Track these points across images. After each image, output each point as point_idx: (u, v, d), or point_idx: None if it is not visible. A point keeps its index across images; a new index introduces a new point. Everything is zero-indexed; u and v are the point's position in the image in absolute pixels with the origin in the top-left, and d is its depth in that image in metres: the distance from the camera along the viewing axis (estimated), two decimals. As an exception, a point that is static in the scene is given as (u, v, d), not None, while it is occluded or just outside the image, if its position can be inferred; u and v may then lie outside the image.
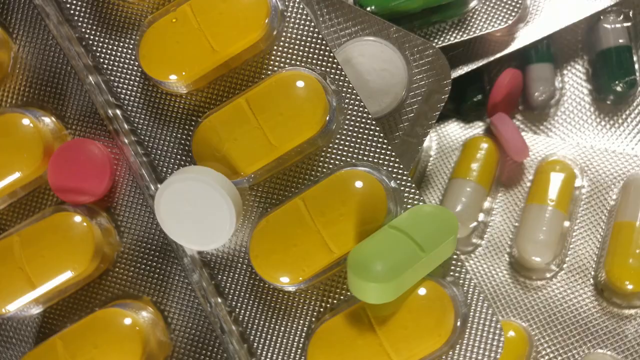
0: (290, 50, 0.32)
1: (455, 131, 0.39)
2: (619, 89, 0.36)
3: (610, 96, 0.37)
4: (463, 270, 0.31)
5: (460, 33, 0.37)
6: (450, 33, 0.37)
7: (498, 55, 0.38)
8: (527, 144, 0.36)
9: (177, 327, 0.31)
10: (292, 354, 0.30)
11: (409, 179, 0.31)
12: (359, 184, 0.30)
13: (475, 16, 0.37)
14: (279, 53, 0.32)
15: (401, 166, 0.32)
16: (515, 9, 0.36)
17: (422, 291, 0.29)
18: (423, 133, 0.34)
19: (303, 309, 0.31)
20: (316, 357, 0.29)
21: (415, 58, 0.34)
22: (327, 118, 0.31)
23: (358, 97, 0.32)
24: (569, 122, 0.38)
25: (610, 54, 0.37)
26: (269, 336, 0.31)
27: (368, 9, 0.35)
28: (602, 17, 0.37)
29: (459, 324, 0.29)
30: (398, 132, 0.34)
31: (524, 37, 0.38)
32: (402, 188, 0.31)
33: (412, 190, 0.31)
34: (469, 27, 0.37)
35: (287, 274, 0.30)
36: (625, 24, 0.37)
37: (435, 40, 0.37)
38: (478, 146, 0.36)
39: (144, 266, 0.32)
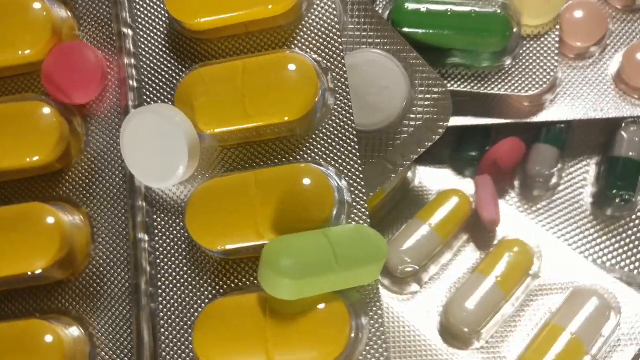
0: (309, 37, 0.33)
1: (441, 176, 0.39)
2: (614, 199, 0.36)
3: (605, 206, 0.37)
4: (377, 304, 0.31)
5: (480, 85, 0.36)
6: (470, 81, 0.37)
7: (512, 121, 0.37)
8: (503, 215, 0.36)
9: (101, 240, 0.32)
10: (187, 318, 0.31)
11: (365, 198, 0.31)
12: (314, 183, 0.30)
13: (501, 74, 0.37)
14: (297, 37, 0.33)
15: (363, 184, 0.32)
16: (544, 81, 0.36)
17: (326, 305, 0.29)
18: (402, 163, 0.34)
19: (216, 278, 0.31)
20: (202, 325, 0.29)
21: (423, 90, 0.34)
22: (311, 109, 0.31)
23: (350, 104, 0.32)
24: (557, 214, 0.38)
25: (617, 162, 0.36)
26: (176, 290, 0.31)
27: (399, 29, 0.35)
28: (624, 124, 0.37)
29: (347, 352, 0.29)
30: (378, 153, 0.34)
31: (544, 114, 0.37)
32: (355, 204, 0.31)
33: (363, 210, 0.31)
34: (491, 83, 0.37)
35: (210, 236, 0.30)
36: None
37: (451, 82, 0.36)
38: (449, 197, 0.36)
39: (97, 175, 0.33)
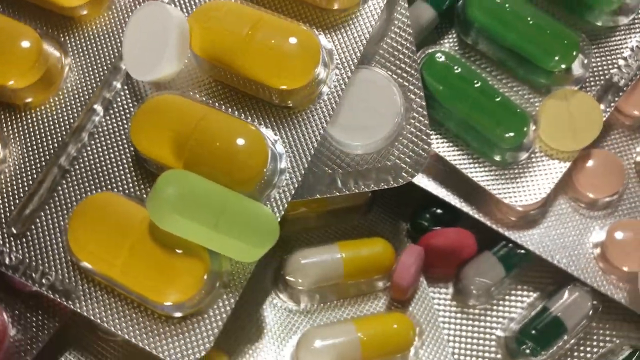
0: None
1: (393, 222, 0.39)
2: (523, 345, 0.35)
3: (514, 346, 0.35)
4: (240, 283, 0.31)
5: (476, 172, 0.36)
6: (468, 160, 0.36)
7: (484, 221, 0.37)
8: (415, 286, 0.35)
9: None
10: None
11: (289, 194, 0.32)
12: (251, 141, 0.31)
13: (501, 175, 0.36)
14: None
15: (299, 180, 0.32)
16: (537, 197, 0.35)
17: (191, 256, 0.30)
18: (350, 188, 0.34)
19: (134, 177, 0.33)
20: (81, 210, 0.32)
21: (408, 134, 0.34)
22: (304, 85, 0.32)
23: (335, 107, 0.33)
24: (467, 327, 0.37)
25: (545, 314, 0.35)
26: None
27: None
28: (571, 285, 0.36)
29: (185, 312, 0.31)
30: (336, 166, 0.34)
31: (517, 233, 0.37)
32: (279, 196, 0.32)
33: (281, 203, 0.32)
34: (488, 178, 0.36)
35: (147, 142, 0.32)
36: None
37: (448, 150, 0.36)
38: (376, 244, 0.36)
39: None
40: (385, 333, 0.34)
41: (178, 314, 0.31)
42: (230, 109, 0.34)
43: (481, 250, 0.37)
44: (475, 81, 0.35)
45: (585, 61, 0.37)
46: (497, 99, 0.35)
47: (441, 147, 0.37)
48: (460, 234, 0.36)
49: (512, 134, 0.35)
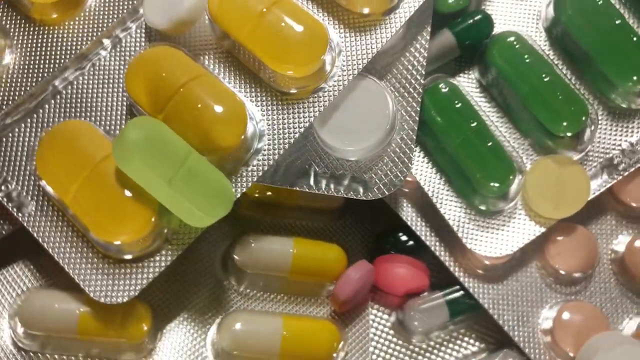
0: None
1: (361, 233, 0.39)
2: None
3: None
4: (182, 245, 0.32)
5: (453, 217, 0.36)
6: (450, 202, 0.36)
7: (448, 266, 0.36)
8: (354, 301, 0.35)
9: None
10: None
11: (257, 175, 0.33)
12: (233, 120, 0.32)
13: (478, 224, 0.36)
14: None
15: (270, 164, 0.33)
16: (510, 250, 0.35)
17: (142, 203, 0.31)
18: (320, 188, 0.34)
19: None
20: (52, 133, 0.33)
21: (393, 152, 0.34)
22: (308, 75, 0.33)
23: (327, 105, 0.33)
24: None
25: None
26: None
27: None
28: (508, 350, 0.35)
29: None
30: (314, 163, 0.34)
31: (477, 283, 0.36)
32: (246, 174, 0.33)
33: (245, 181, 0.32)
34: (463, 229, 0.36)
35: (135, 82, 0.33)
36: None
37: (428, 183, 0.36)
38: (331, 249, 0.36)
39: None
40: (309, 337, 0.34)
41: (115, 255, 0.32)
42: (226, 79, 0.34)
43: (434, 287, 0.37)
44: (472, 120, 0.35)
45: (592, 134, 0.37)
46: (489, 144, 0.35)
47: (424, 176, 0.36)
48: (416, 266, 0.36)
49: (495, 183, 0.35)
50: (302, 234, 0.38)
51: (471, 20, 0.37)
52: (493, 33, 0.37)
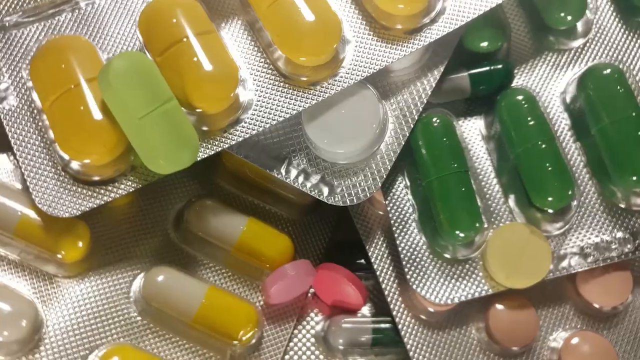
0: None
1: (321, 233, 0.39)
2: None
3: None
4: (134, 184, 0.33)
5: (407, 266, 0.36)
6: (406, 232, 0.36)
7: (382, 285, 0.36)
8: (283, 297, 0.35)
9: None
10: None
11: (231, 143, 0.33)
12: (222, 81, 0.32)
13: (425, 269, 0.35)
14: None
15: (246, 137, 0.33)
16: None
17: (109, 126, 0.32)
18: (289, 177, 0.34)
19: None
20: (50, 44, 0.34)
21: (369, 167, 0.34)
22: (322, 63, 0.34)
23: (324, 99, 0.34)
24: None
25: None
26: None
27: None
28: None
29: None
30: (293, 153, 0.35)
31: (401, 316, 0.36)
32: (219, 139, 0.33)
33: (216, 146, 0.33)
34: (413, 274, 0.36)
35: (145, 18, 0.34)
36: None
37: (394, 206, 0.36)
38: (281, 238, 0.37)
39: None
40: (225, 313, 0.34)
41: (72, 172, 0.33)
42: (234, 46, 0.35)
43: (375, 312, 0.37)
44: (455, 161, 0.35)
45: (573, 217, 0.36)
46: (463, 189, 0.34)
47: (395, 202, 0.36)
48: (355, 284, 0.36)
49: (457, 230, 0.34)
50: (263, 218, 0.38)
51: (491, 68, 0.37)
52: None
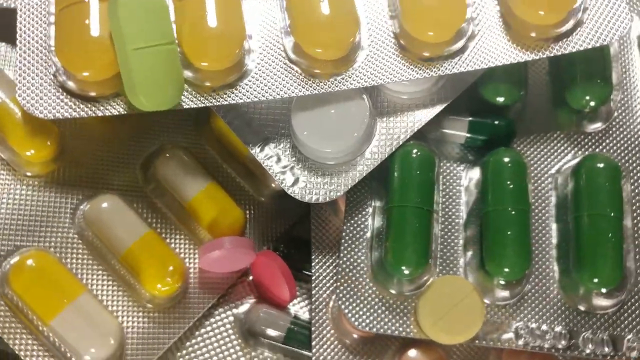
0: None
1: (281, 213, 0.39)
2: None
3: None
4: (116, 111, 0.33)
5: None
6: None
7: (314, 295, 0.36)
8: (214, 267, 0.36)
9: None
10: None
11: (217, 102, 0.33)
12: (226, 40, 0.33)
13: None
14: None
15: (235, 102, 0.34)
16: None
17: (108, 47, 0.32)
18: (258, 156, 0.35)
19: None
20: None
21: (340, 170, 0.34)
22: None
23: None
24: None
25: None
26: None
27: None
28: None
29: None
30: (271, 135, 0.35)
31: (320, 327, 0.35)
32: (208, 98, 0.34)
33: (202, 101, 0.33)
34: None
35: None
36: None
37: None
38: (234, 212, 0.37)
39: None
40: (154, 260, 0.35)
41: (61, 81, 0.33)
42: (253, 15, 0.35)
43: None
44: (419, 197, 0.34)
45: (523, 294, 0.35)
46: (417, 224, 0.34)
47: (353, 217, 0.36)
48: (287, 279, 0.36)
49: (401, 265, 0.34)
50: (229, 188, 0.38)
51: (494, 121, 0.36)
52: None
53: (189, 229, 0.37)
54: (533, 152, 0.37)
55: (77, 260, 0.35)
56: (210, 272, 0.37)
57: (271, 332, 0.36)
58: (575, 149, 0.37)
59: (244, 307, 0.38)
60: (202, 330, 0.37)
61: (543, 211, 0.36)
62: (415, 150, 0.35)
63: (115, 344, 0.34)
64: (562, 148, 0.37)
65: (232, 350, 0.37)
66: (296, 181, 0.35)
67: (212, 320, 0.37)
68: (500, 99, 0.37)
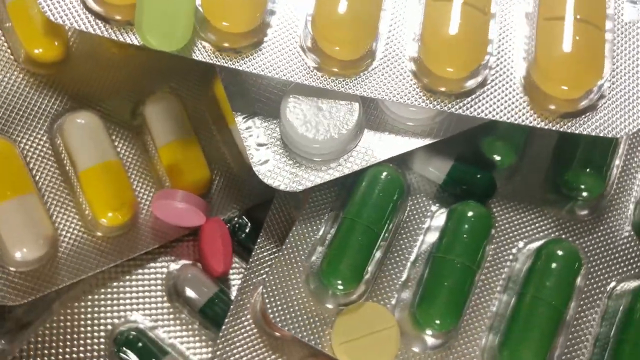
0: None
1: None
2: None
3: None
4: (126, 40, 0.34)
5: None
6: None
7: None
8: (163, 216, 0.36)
9: None
10: None
11: (216, 62, 0.34)
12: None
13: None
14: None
15: (235, 66, 0.34)
16: None
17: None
18: (240, 124, 0.35)
19: None
20: None
21: (311, 166, 0.34)
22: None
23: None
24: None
25: None
26: None
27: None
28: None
29: None
30: (260, 111, 0.35)
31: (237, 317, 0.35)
32: (221, 55, 0.34)
33: (209, 56, 0.34)
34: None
35: None
36: None
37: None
38: (203, 169, 0.37)
39: None
40: (111, 188, 0.35)
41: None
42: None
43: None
44: (372, 216, 0.34)
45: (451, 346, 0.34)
46: (360, 240, 0.33)
47: (309, 217, 0.36)
48: (225, 252, 0.36)
49: (336, 279, 0.33)
50: (208, 149, 0.39)
51: (476, 173, 0.36)
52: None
53: (155, 173, 0.38)
54: (506, 218, 0.36)
55: (38, 163, 0.36)
56: (160, 220, 0.37)
57: (192, 294, 0.37)
58: (550, 230, 0.36)
59: (178, 265, 0.38)
60: (133, 277, 0.38)
61: (494, 277, 0.35)
62: (386, 173, 0.35)
63: (47, 249, 0.35)
64: (537, 225, 0.36)
65: (153, 301, 0.37)
66: (266, 161, 0.35)
67: (146, 269, 0.38)
68: (497, 158, 0.36)
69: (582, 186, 0.36)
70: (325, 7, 0.34)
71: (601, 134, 0.34)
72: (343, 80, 0.34)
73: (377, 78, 0.34)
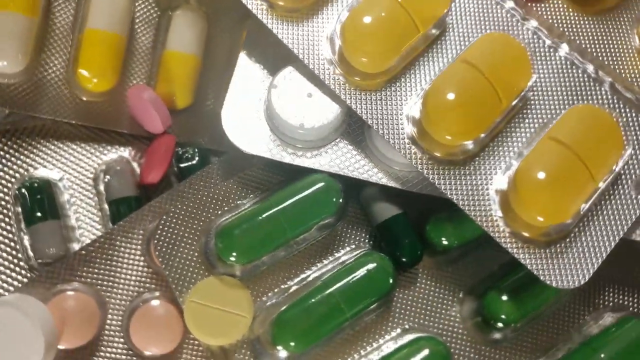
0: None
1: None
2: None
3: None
4: None
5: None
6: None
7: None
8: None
9: None
10: None
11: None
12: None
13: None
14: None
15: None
16: None
17: None
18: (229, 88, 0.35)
19: None
20: None
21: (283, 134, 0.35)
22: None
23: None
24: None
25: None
26: None
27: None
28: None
29: None
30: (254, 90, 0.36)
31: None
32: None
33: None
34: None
35: None
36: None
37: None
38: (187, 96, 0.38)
39: None
40: (106, 50, 0.37)
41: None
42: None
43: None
44: (293, 220, 0.34)
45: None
46: (271, 233, 0.34)
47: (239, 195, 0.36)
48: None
49: (231, 255, 0.34)
50: (208, 78, 0.39)
51: (406, 239, 0.35)
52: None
53: (149, 68, 0.39)
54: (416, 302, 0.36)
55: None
56: (135, 111, 0.38)
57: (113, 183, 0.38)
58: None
59: (127, 155, 0.39)
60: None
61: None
62: (323, 184, 0.35)
63: (25, 63, 0.36)
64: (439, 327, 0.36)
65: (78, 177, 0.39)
66: (230, 130, 0.35)
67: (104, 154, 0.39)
68: (444, 241, 0.36)
69: (504, 316, 0.35)
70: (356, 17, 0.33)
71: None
72: (361, 94, 0.34)
73: (375, 107, 0.34)
